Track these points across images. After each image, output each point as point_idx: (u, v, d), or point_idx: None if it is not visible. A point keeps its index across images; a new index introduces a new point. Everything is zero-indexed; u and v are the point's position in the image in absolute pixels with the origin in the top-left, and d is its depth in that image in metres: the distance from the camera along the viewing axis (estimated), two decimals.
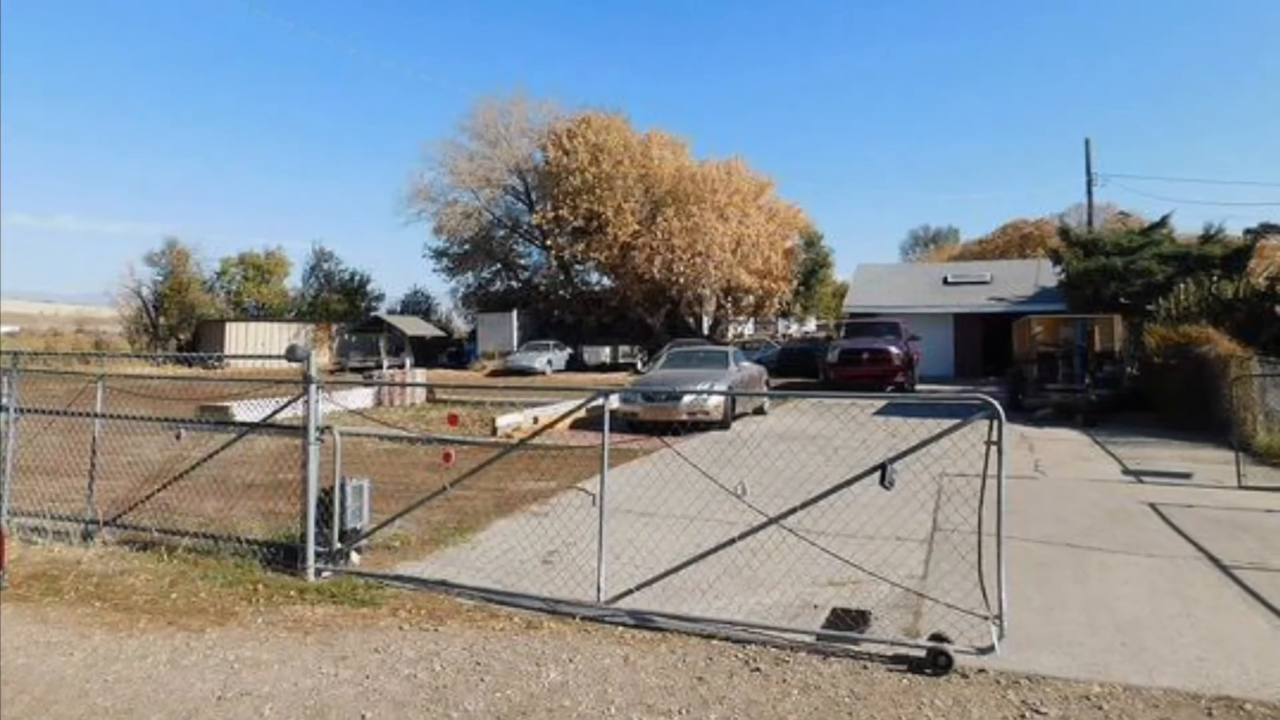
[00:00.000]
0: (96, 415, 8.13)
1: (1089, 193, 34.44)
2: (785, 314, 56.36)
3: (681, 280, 41.21)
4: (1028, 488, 10.69)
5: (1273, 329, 19.76)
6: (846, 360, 25.41)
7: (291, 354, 7.12)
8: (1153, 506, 9.52)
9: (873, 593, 6.15)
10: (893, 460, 5.16)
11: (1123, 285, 23.94)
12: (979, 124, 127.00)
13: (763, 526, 5.71)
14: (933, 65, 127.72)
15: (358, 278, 60.28)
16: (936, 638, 4.94)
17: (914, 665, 4.88)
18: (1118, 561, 7.17)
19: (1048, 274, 33.69)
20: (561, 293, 49.38)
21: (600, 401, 6.52)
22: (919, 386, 26.60)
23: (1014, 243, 57.68)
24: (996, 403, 4.97)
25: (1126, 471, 12.15)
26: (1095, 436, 15.86)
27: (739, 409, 17.99)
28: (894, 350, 25.18)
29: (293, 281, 59.31)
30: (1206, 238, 25.39)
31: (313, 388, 6.79)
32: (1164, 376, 18.27)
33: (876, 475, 5.15)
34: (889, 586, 6.07)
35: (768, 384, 21.78)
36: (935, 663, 4.79)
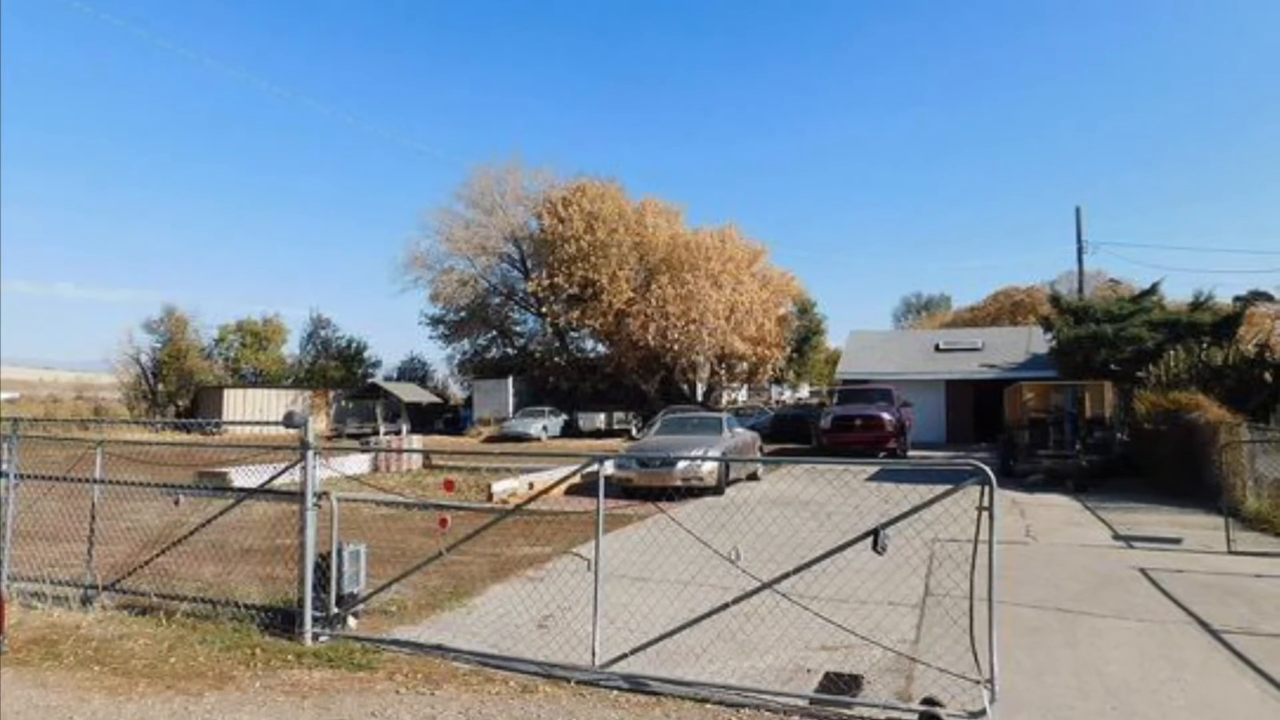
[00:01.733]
0: (96, 481, 8.21)
1: (1079, 260, 34.99)
2: (779, 380, 56.56)
3: (676, 347, 41.46)
4: (1019, 553, 10.76)
5: (1262, 395, 19.95)
6: (839, 426, 25.54)
7: (289, 420, 7.25)
8: (1143, 571, 9.59)
9: (865, 657, 6.21)
10: (885, 526, 5.24)
11: (1113, 352, 24.20)
12: (970, 192, 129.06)
13: (756, 591, 5.79)
14: (924, 134, 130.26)
15: (355, 344, 60.54)
16: (928, 701, 5.00)
17: None
18: (1108, 626, 7.23)
19: (1039, 341, 34.03)
20: (557, 359, 49.59)
21: (595, 467, 6.63)
22: (911, 452, 26.71)
23: (1005, 310, 58.12)
24: (988, 469, 5.09)
25: (1117, 537, 12.22)
26: (1086, 502, 15.94)
27: (733, 475, 18.06)
28: (886, 416, 25.32)
29: (290, 348, 59.55)
30: (1196, 305, 25.75)
31: (310, 453, 6.90)
32: (1154, 442, 18.42)
33: (869, 540, 5.24)
34: (881, 651, 6.14)
35: (761, 450, 21.86)
36: None
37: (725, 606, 5.79)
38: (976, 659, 5.13)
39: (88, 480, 8.26)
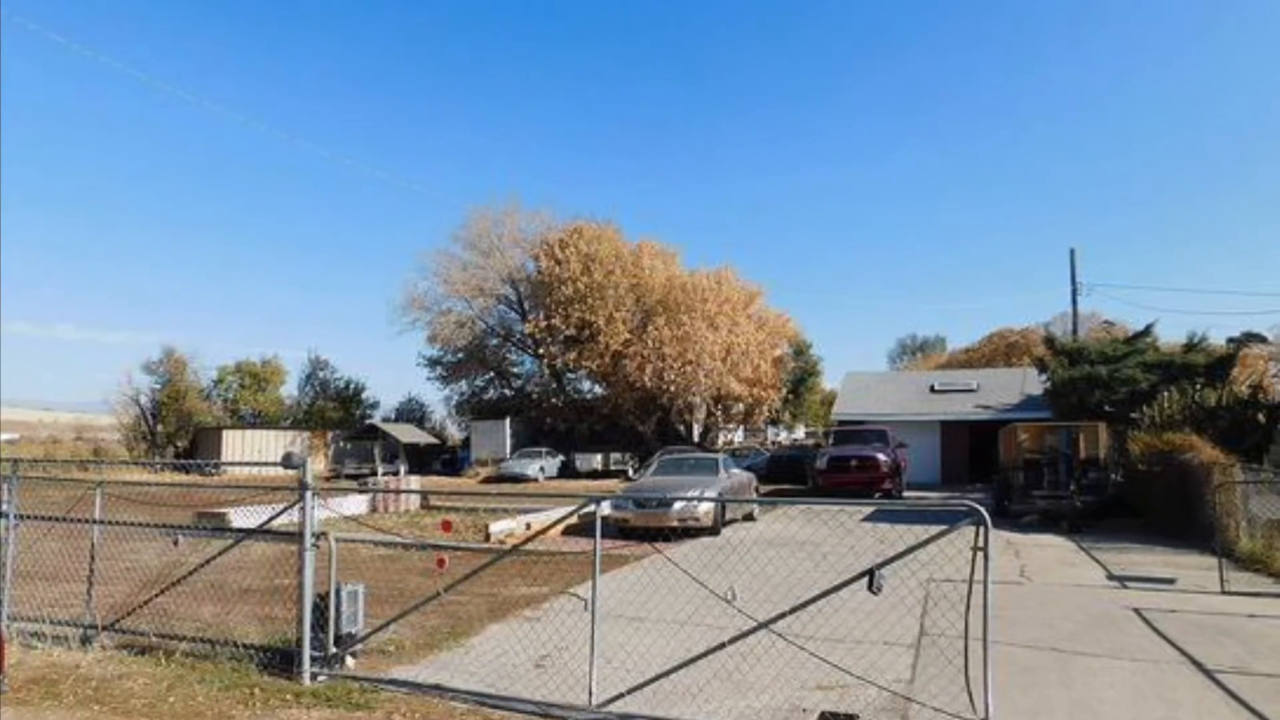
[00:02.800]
0: (95, 522, 8.28)
1: (1074, 301, 35.24)
2: (774, 421, 56.63)
3: (672, 388, 41.53)
4: (1013, 593, 10.79)
5: (1255, 436, 20.08)
6: (835, 467, 25.53)
7: (288, 461, 7.32)
8: (1137, 611, 9.63)
9: (861, 696, 6.25)
10: (880, 566, 5.31)
11: (1107, 393, 24.33)
12: (965, 234, 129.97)
13: (752, 631, 5.85)
14: (920, 176, 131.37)
15: (353, 386, 60.54)
16: None
17: None
18: (1102, 666, 7.28)
19: (1033, 382, 34.19)
20: (554, 401, 49.65)
21: (592, 508, 6.71)
22: (907, 493, 26.73)
23: (1000, 351, 58.35)
24: (983, 509, 5.17)
25: (1111, 577, 12.25)
26: (1080, 542, 15.97)
27: (729, 515, 18.08)
28: (882, 457, 25.35)
29: (289, 389, 59.51)
30: (1190, 346, 25.95)
31: (308, 494, 6.97)
32: (1148, 483, 18.48)
33: (865, 580, 5.30)
34: (877, 690, 6.18)
35: (757, 491, 21.88)
36: None
37: (721, 646, 5.85)
38: (971, 699, 5.19)
39: (87, 521, 8.32)
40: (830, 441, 29.55)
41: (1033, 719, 5.89)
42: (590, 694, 5.95)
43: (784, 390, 49.64)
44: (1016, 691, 6.43)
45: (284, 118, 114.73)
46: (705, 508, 16.27)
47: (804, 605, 5.67)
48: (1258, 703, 6.23)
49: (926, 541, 5.35)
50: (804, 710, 6.03)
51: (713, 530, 16.58)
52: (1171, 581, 11.76)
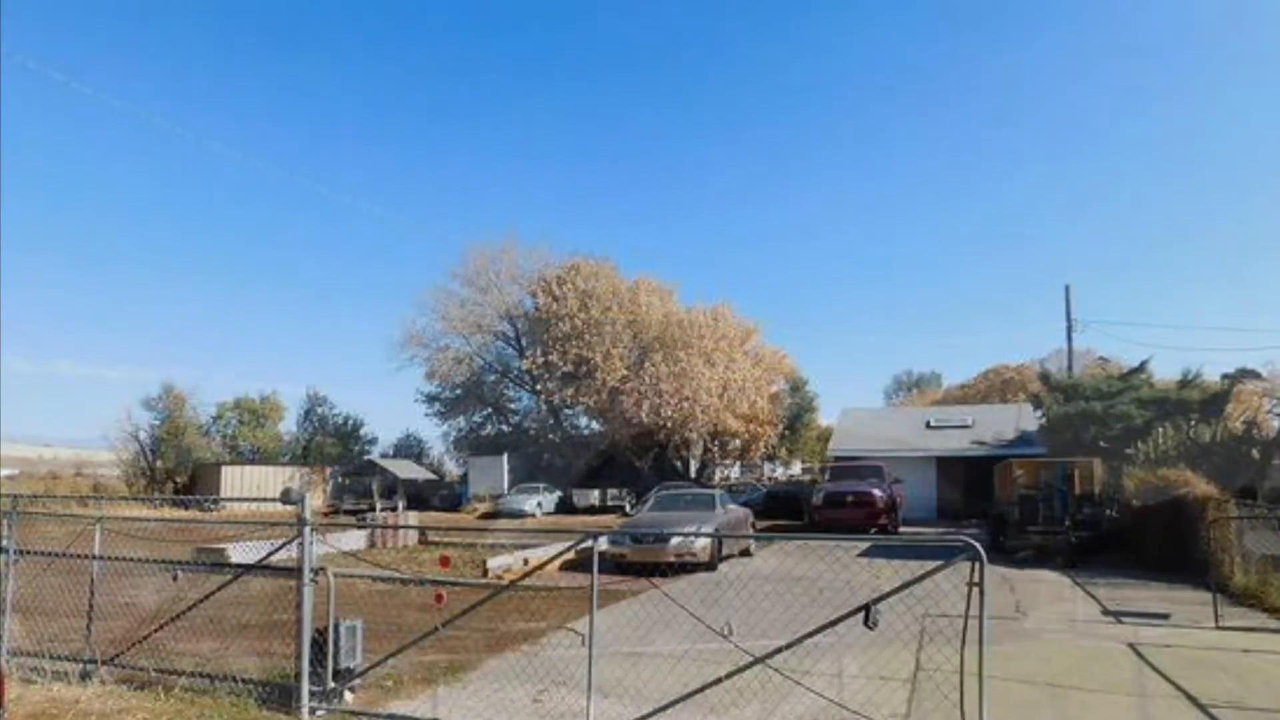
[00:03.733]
0: (95, 557, 8.33)
1: (1069, 338, 35.57)
2: (771, 457, 56.55)
3: (669, 424, 41.57)
4: (1009, 628, 10.83)
5: (1249, 472, 20.19)
6: (831, 503, 25.51)
7: (286, 497, 7.41)
8: (1131, 646, 9.68)
9: None
10: (876, 601, 5.36)
11: (1102, 429, 24.47)
12: (961, 269, 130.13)
13: (749, 666, 5.90)
14: (916, 209, 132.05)
15: (351, 422, 60.53)
16: None
17: None
18: (1098, 701, 7.32)
19: (1029, 418, 34.33)
20: (551, 436, 49.66)
21: (589, 543, 6.79)
22: (903, 528, 26.69)
23: (995, 387, 58.57)
24: (978, 544, 5.23)
25: (1106, 612, 12.30)
26: (1075, 578, 16.00)
27: (725, 550, 18.10)
28: (877, 493, 25.36)
29: (287, 425, 59.42)
30: (1184, 383, 26.14)
31: (307, 530, 7.05)
32: (1143, 519, 18.51)
33: (860, 615, 5.35)
34: None
35: (753, 526, 21.90)
36: None
37: (718, 681, 5.89)
38: None
39: (87, 556, 8.37)
40: (826, 477, 29.62)
41: None
42: None
43: (780, 426, 49.66)
44: None
45: (282, 155, 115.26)
46: (702, 543, 16.31)
47: (800, 640, 5.73)
48: None
49: (922, 577, 5.41)
50: None
51: (709, 565, 16.60)
52: (1166, 616, 11.80)
